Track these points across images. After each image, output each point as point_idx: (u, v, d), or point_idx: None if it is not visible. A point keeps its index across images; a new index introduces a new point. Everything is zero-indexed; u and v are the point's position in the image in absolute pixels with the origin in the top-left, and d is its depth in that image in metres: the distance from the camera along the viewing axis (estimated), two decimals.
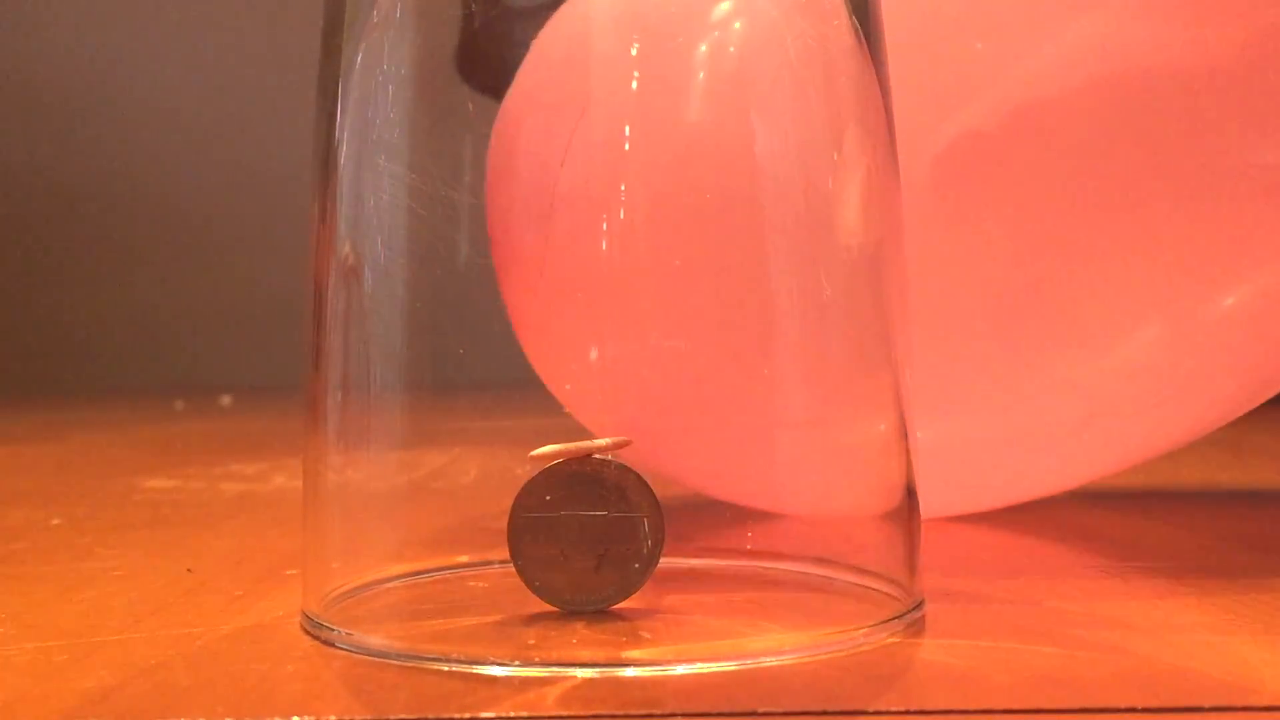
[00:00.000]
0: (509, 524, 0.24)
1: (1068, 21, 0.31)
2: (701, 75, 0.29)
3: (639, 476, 0.24)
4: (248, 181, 1.53)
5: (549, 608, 0.24)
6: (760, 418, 0.28)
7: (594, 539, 0.24)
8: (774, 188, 0.26)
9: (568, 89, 0.28)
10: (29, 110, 1.58)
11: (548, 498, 0.24)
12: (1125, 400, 0.33)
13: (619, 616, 0.24)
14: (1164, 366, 0.32)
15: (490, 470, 0.29)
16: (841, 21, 0.25)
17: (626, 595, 0.24)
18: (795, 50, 0.26)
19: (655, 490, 0.24)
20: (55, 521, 0.40)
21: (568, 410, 0.28)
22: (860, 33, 0.25)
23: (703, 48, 0.29)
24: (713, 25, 0.29)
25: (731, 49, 0.29)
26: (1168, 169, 0.30)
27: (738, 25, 0.29)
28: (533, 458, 0.24)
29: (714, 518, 0.31)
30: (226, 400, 1.14)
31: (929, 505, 0.35)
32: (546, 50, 0.28)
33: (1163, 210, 0.31)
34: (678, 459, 0.32)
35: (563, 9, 0.29)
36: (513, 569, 0.24)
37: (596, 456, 0.24)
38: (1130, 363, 0.32)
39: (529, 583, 0.24)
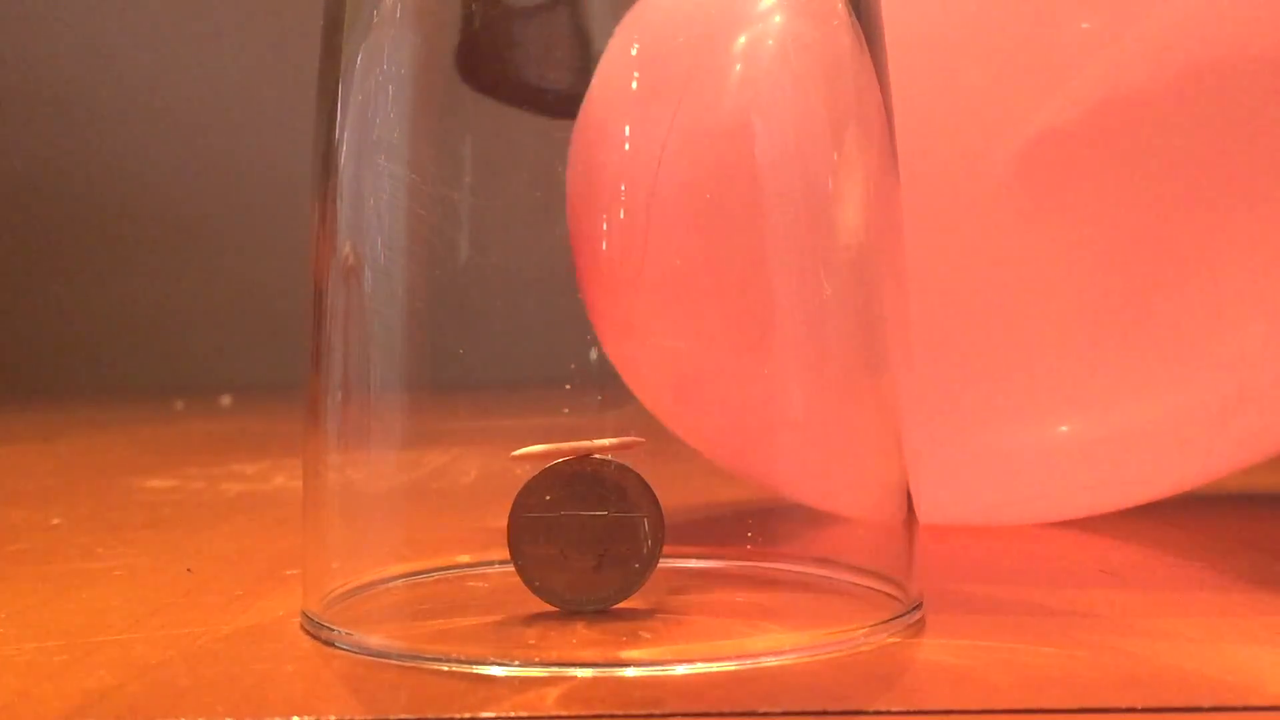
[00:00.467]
0: (509, 524, 0.24)
1: (1154, 5, 0.29)
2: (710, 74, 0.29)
3: (639, 476, 0.24)
4: (248, 181, 1.53)
5: (549, 608, 0.24)
6: (758, 417, 0.28)
7: (594, 539, 0.24)
8: (773, 187, 0.26)
9: (660, 82, 0.28)
10: (29, 110, 1.58)
11: (548, 498, 0.24)
12: (1268, 386, 0.31)
13: (619, 616, 0.24)
14: None
15: (490, 470, 0.29)
16: (841, 21, 0.25)
17: (626, 595, 0.24)
18: (795, 50, 0.26)
19: (656, 490, 0.24)
20: (55, 521, 0.40)
21: (651, 412, 0.28)
22: (860, 32, 0.25)
23: (703, 47, 0.29)
24: (713, 25, 0.29)
25: (732, 49, 0.29)
26: (1270, 160, 0.29)
27: (735, 26, 0.29)
28: (514, 457, 0.24)
29: (714, 518, 0.31)
30: (226, 400, 1.14)
31: (1075, 506, 0.35)
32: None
33: (1267, 205, 0.29)
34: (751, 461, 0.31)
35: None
36: (513, 569, 0.24)
37: (596, 456, 0.24)
38: (1255, 352, 0.31)
39: (529, 583, 0.24)
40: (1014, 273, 0.30)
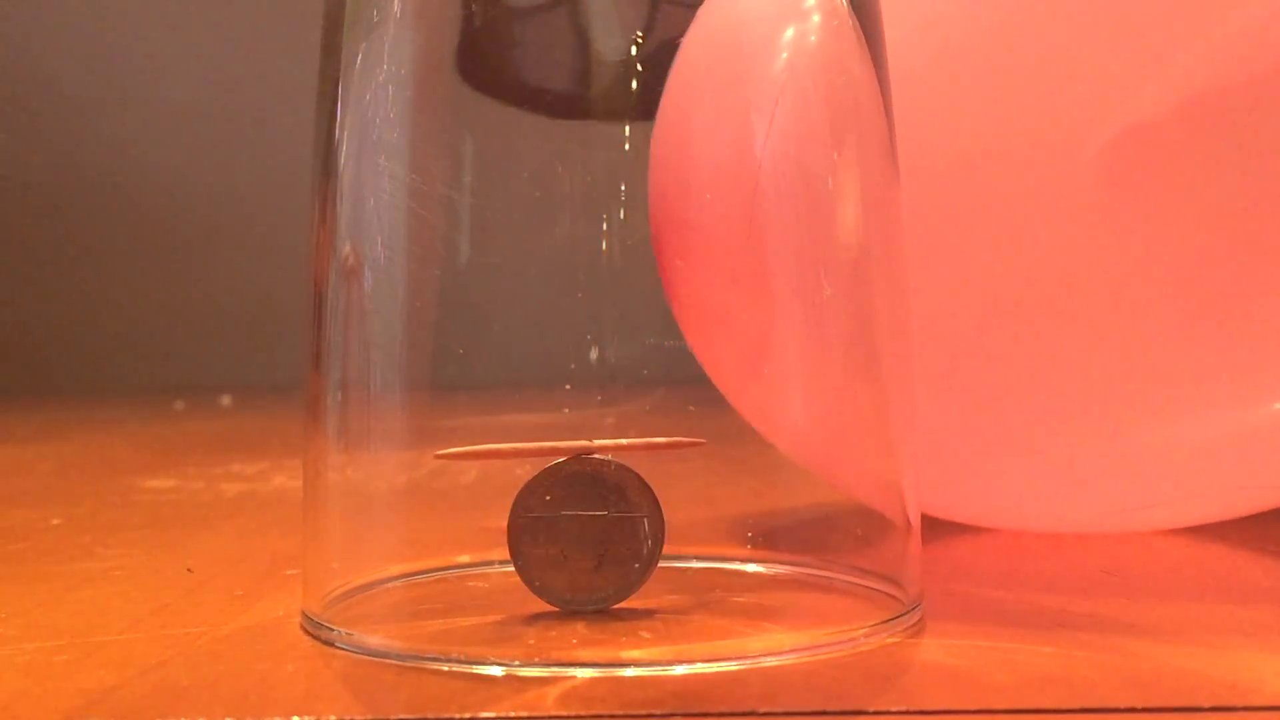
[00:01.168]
0: (509, 524, 0.24)
1: None
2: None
3: (639, 476, 0.24)
4: (248, 181, 1.53)
5: (549, 608, 0.24)
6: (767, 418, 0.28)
7: (594, 539, 0.24)
8: (773, 187, 0.25)
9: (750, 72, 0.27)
10: (29, 110, 1.58)
11: (548, 498, 0.24)
12: None
13: (619, 616, 0.24)
14: None
15: (490, 470, 0.29)
16: (842, 21, 0.25)
17: (626, 595, 0.24)
18: (795, 50, 0.26)
19: (655, 490, 0.24)
20: (55, 521, 0.40)
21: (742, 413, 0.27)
22: (861, 32, 0.25)
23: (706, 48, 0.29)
24: (707, 24, 0.29)
25: (732, 49, 0.29)
26: None
27: (735, 26, 0.29)
28: (438, 457, 0.24)
29: (714, 518, 0.31)
30: (226, 400, 1.14)
31: (1214, 508, 0.33)
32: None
33: None
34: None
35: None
36: (513, 569, 0.24)
37: (596, 456, 0.24)
38: None
39: (529, 583, 0.24)
40: (1099, 274, 0.28)
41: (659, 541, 0.24)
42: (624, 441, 0.24)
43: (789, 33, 0.26)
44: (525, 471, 0.24)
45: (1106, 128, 0.27)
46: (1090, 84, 0.28)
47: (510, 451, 0.24)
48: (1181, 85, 0.27)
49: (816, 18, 0.27)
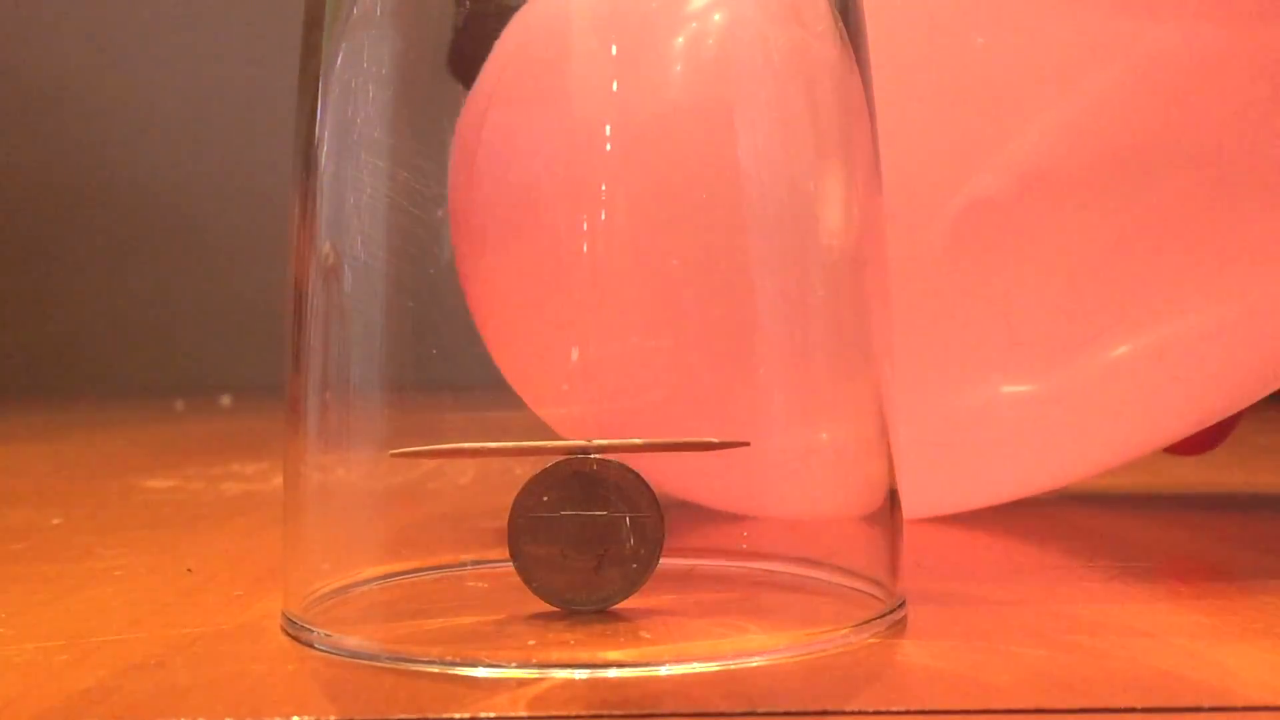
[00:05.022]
0: (508, 524, 0.24)
1: (1074, 91, 0.31)
2: (682, 74, 0.29)
3: (639, 476, 0.24)
4: (248, 182, 1.53)
5: (549, 608, 0.24)
6: (740, 419, 0.27)
7: (594, 539, 0.24)
8: (756, 189, 0.25)
9: (542, 86, 0.28)
10: (27, 110, 1.58)
11: (546, 498, 0.24)
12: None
13: (619, 616, 0.24)
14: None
15: (489, 470, 0.29)
16: (825, 25, 0.25)
17: (626, 595, 0.24)
18: (778, 53, 0.26)
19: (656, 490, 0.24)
20: (55, 521, 0.40)
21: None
22: (845, 36, 0.25)
23: (682, 45, 0.29)
24: (693, 21, 0.29)
25: (712, 48, 0.29)
26: (1189, 233, 0.31)
27: (718, 22, 0.29)
28: (393, 455, 0.24)
29: (713, 518, 0.31)
30: (226, 400, 1.14)
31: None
32: (517, 45, 0.28)
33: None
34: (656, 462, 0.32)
35: (533, 4, 0.28)
36: (512, 569, 0.24)
37: (595, 456, 0.24)
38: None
39: (529, 583, 0.24)
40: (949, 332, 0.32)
41: (659, 541, 0.24)
42: (638, 441, 0.24)
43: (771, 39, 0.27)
44: (525, 471, 0.24)
45: (956, 201, 0.32)
46: (940, 161, 0.32)
47: (471, 451, 0.24)
48: (1019, 164, 0.32)
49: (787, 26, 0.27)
